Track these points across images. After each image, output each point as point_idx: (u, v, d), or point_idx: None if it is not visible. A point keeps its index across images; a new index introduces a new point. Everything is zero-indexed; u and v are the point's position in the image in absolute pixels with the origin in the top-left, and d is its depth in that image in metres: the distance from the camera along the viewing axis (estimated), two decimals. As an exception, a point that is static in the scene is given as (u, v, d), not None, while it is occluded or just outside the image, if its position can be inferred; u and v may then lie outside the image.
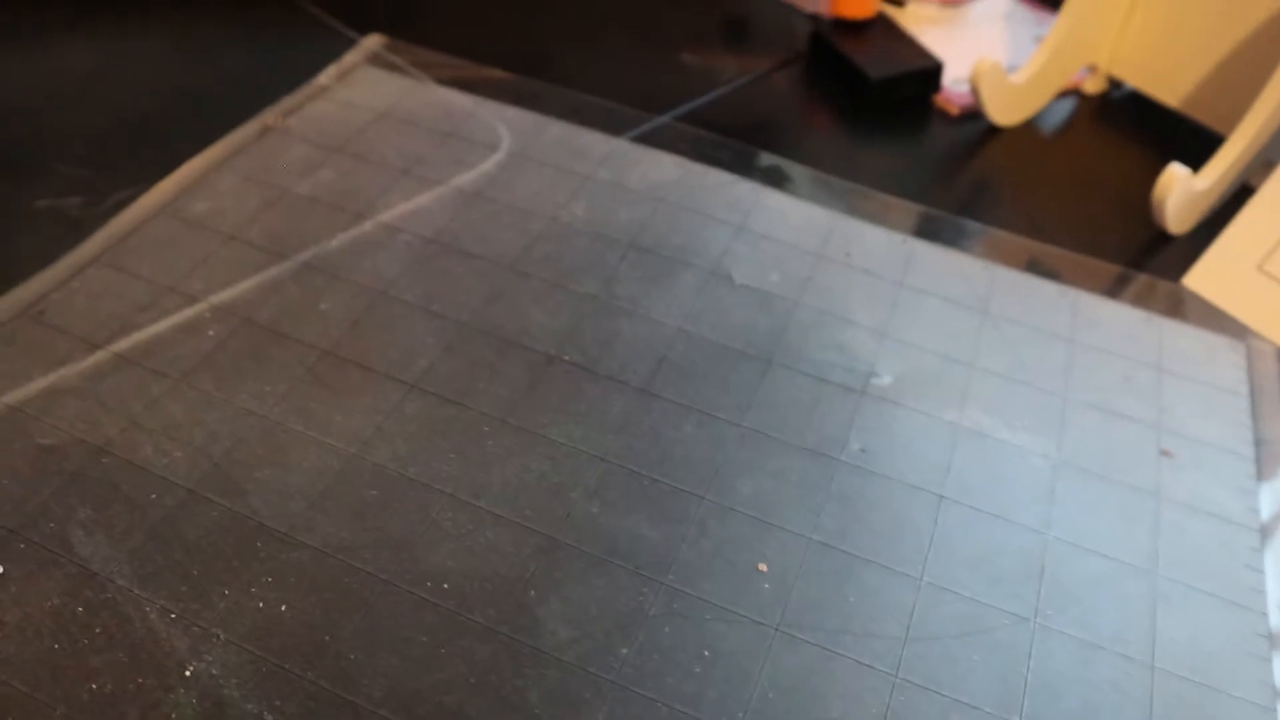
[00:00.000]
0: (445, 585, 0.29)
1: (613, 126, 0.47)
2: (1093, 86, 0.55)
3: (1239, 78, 0.48)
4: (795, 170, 0.47)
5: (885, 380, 0.36)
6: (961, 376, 0.37)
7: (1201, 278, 0.44)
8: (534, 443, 0.33)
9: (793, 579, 0.30)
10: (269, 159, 0.44)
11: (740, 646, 0.28)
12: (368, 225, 0.41)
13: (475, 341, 0.36)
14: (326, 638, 0.27)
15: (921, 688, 0.28)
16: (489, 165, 0.44)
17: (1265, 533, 0.33)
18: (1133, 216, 0.47)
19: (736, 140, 0.48)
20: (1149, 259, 0.46)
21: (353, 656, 0.27)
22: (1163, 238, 0.47)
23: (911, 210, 0.45)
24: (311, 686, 0.26)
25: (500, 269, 0.39)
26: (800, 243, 0.42)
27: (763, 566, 0.30)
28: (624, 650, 0.28)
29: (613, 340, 0.36)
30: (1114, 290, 0.42)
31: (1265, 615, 0.31)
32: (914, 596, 0.30)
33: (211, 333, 0.36)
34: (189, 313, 0.37)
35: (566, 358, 0.36)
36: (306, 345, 0.35)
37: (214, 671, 0.27)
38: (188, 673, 0.26)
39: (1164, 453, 0.35)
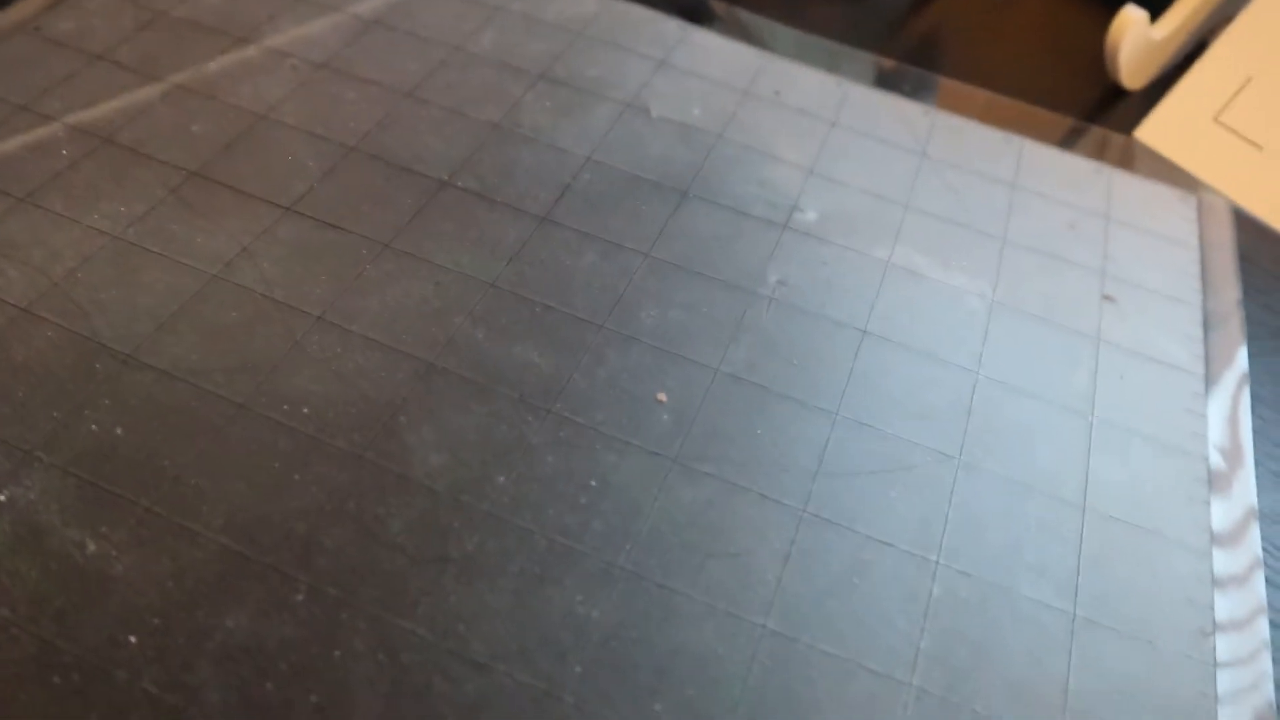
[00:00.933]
0: (305, 410, 0.26)
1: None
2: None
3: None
4: (727, 11, 0.43)
5: (810, 216, 0.33)
6: (894, 216, 0.34)
7: (1154, 130, 0.41)
8: (417, 268, 0.29)
9: (695, 410, 0.27)
10: (141, -26, 0.40)
11: (632, 478, 0.25)
12: (251, 50, 0.37)
13: (361, 166, 0.32)
14: (166, 463, 0.24)
15: (832, 523, 0.25)
16: (388, -12, 0.40)
17: (1210, 379, 0.31)
18: (1087, 74, 0.44)
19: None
20: (1101, 115, 0.43)
21: (194, 483, 0.24)
22: (1116, 94, 0.44)
23: (850, 55, 0.41)
24: (144, 513, 0.23)
25: (395, 95, 0.35)
26: (727, 79, 0.38)
27: (662, 397, 0.27)
28: (501, 479, 0.25)
29: (513, 168, 0.33)
30: (1064, 143, 0.39)
31: (1205, 459, 0.28)
32: (829, 431, 0.27)
33: (65, 152, 0.32)
34: (41, 132, 0.33)
35: (460, 184, 0.32)
36: (172, 167, 0.32)
37: (32, 497, 0.23)
38: (2, 497, 0.23)
39: (1106, 298, 0.33)
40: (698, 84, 0.38)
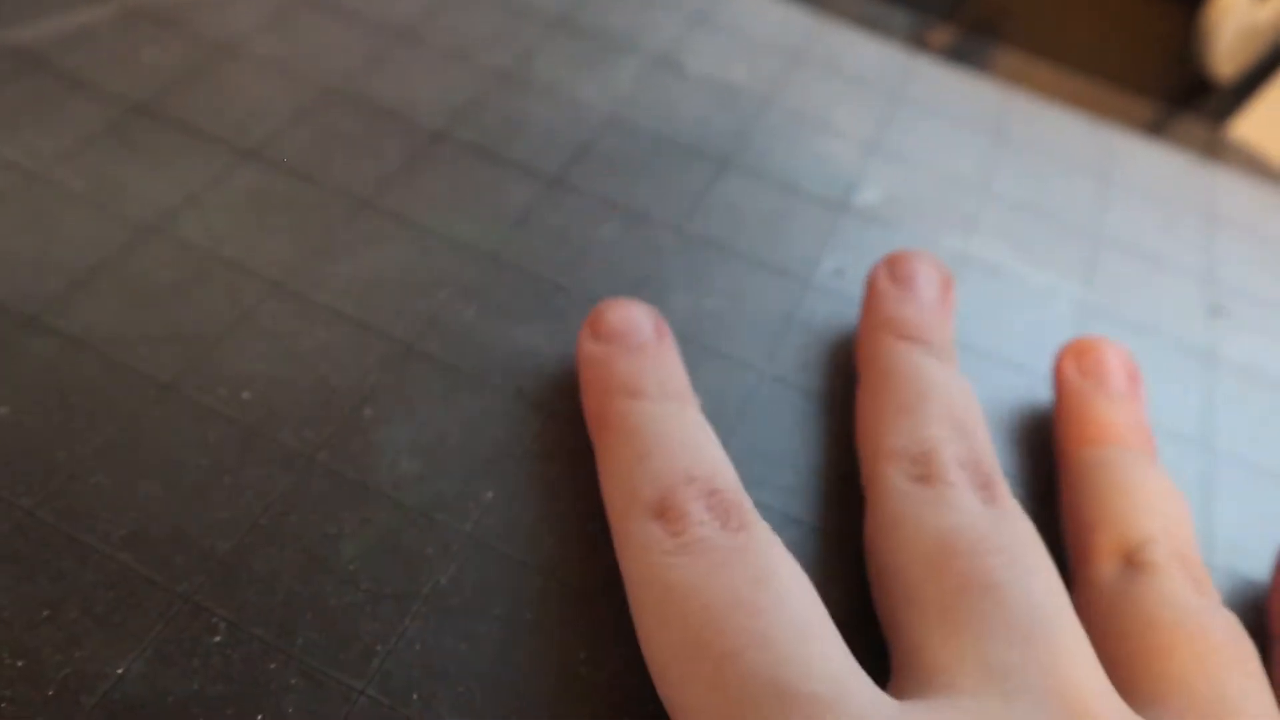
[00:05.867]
0: (246, 394, 0.20)
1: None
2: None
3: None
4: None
5: (871, 197, 0.28)
6: (969, 202, 0.28)
7: (1253, 125, 0.36)
8: (400, 230, 0.24)
9: (736, 419, 0.21)
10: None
11: (656, 500, 0.20)
12: (224, -25, 0.31)
13: (340, 109, 0.27)
14: (61, 455, 0.19)
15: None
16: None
17: (1347, 410, 0.25)
18: (1165, 58, 0.39)
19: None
20: (1184, 105, 0.38)
21: (94, 481, 0.18)
22: (1198, 83, 0.38)
23: (914, 23, 0.36)
24: (23, 517, 0.18)
25: (386, 33, 0.30)
26: (776, 41, 0.33)
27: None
28: (489, 494, 0.19)
29: (522, 121, 0.28)
30: (1149, 133, 0.34)
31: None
32: (898, 453, 0.21)
33: (-13, 75, 0.26)
34: (-38, 51, 0.27)
35: (458, 136, 0.27)
36: (114, 96, 0.26)
37: (-121, 488, 0.18)
38: None
39: (1216, 307, 0.27)
40: (741, 43, 0.32)
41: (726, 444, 0.21)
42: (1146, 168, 0.32)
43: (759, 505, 0.20)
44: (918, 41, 0.35)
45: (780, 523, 0.20)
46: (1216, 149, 0.35)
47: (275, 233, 0.24)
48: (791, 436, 0.21)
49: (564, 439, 0.21)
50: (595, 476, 0.20)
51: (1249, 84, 0.38)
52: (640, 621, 0.16)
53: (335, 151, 0.26)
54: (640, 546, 0.17)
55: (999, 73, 0.35)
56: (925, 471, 0.18)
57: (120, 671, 0.16)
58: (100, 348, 0.21)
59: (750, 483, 0.20)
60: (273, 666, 0.17)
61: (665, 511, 0.17)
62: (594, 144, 0.27)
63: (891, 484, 0.18)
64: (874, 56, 0.33)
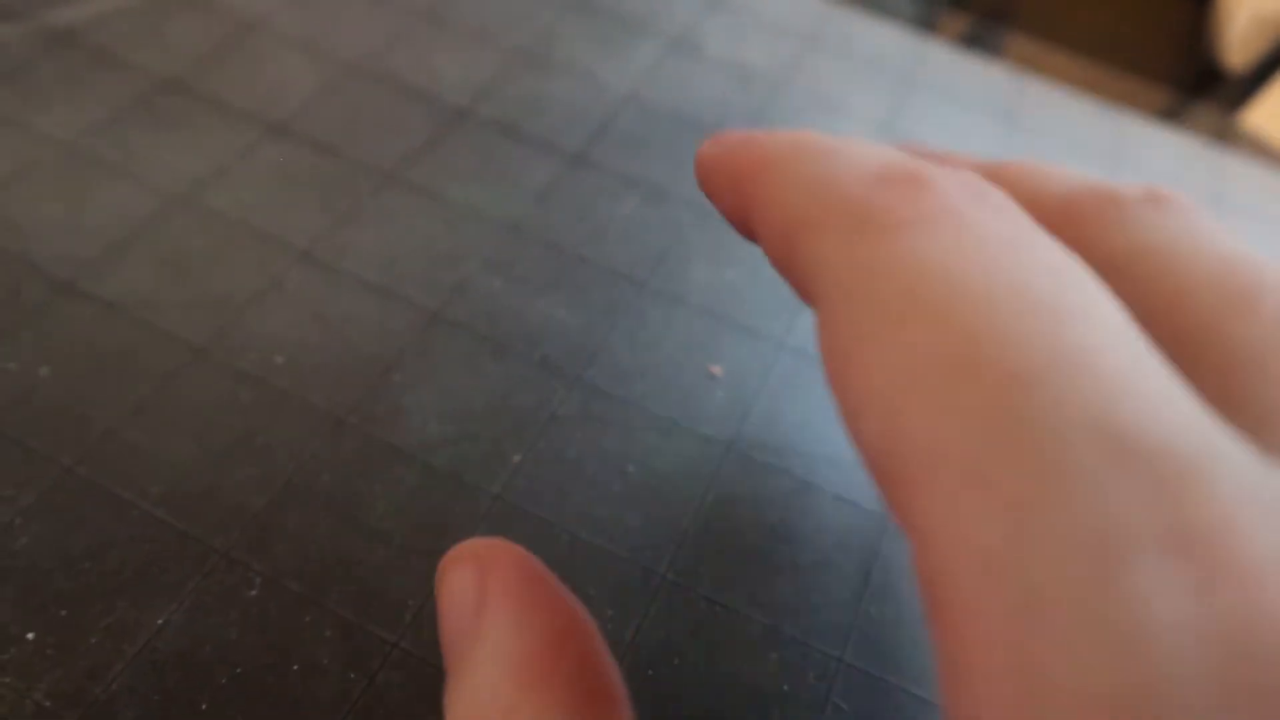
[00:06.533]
0: (278, 359, 0.20)
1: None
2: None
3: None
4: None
5: (888, 176, 0.28)
6: (983, 180, 0.29)
7: (1265, 115, 0.36)
8: (426, 203, 0.24)
9: (756, 389, 0.22)
10: None
11: (678, 466, 0.20)
12: (247, -46, 0.32)
13: (365, 85, 0.27)
14: (97, 414, 0.19)
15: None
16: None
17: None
18: (1176, 47, 0.39)
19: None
20: (1194, 94, 0.38)
21: (130, 440, 0.19)
22: (1208, 73, 0.38)
23: (927, 9, 0.36)
24: (62, 474, 0.18)
25: (408, 13, 0.30)
26: (791, 24, 0.33)
27: (717, 370, 0.22)
28: (516, 458, 0.20)
29: (543, 100, 0.28)
30: (1160, 119, 0.34)
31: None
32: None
33: (15, 51, 0.27)
34: (-7, 26, 0.28)
35: (481, 113, 0.27)
36: (143, 71, 0.27)
37: (-77, 443, 0.18)
38: (-116, 442, 0.18)
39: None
40: (756, 26, 0.33)
41: (749, 412, 0.22)
42: (1157, 153, 0.32)
43: (780, 472, 0.21)
44: (930, 27, 0.35)
45: (799, 489, 0.20)
46: (1228, 137, 0.35)
47: (303, 204, 0.24)
48: (811, 408, 0.22)
49: (588, 406, 0.21)
50: (618, 442, 0.20)
51: (1261, 74, 0.38)
52: (846, 333, 0.11)
53: (360, 127, 0.26)
54: (857, 224, 0.11)
55: (1012, 59, 0.35)
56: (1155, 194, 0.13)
57: (160, 622, 0.17)
58: (134, 311, 0.21)
59: (768, 448, 0.21)
60: (308, 619, 0.17)
61: (892, 182, 0.11)
62: (613, 122, 0.28)
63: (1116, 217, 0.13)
64: (887, 41, 0.34)
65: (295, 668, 0.17)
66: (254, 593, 0.17)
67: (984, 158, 0.17)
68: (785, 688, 0.18)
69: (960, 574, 0.09)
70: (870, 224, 0.11)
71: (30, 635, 0.16)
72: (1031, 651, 0.08)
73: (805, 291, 0.12)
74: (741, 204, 0.14)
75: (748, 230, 0.14)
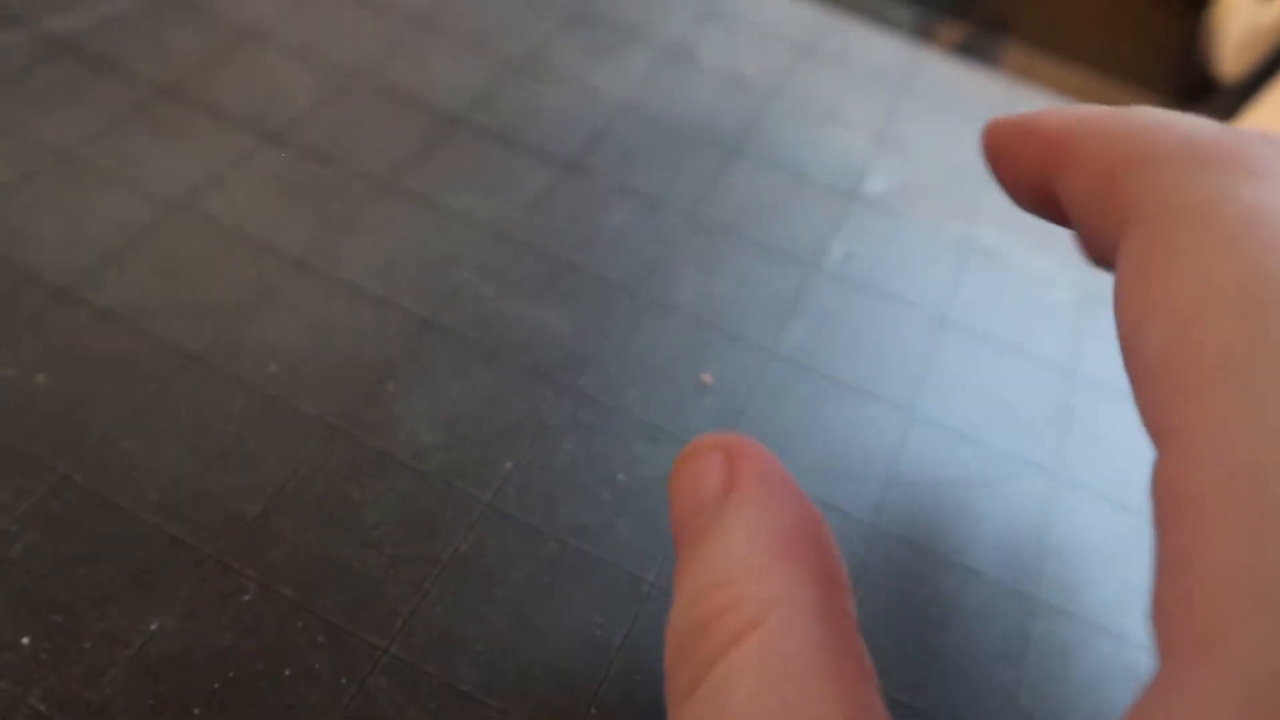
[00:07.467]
0: (272, 366, 0.21)
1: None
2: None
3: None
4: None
5: (879, 185, 0.28)
6: (972, 191, 0.29)
7: (1257, 125, 0.36)
8: (420, 210, 0.25)
9: (745, 397, 0.22)
10: None
11: (668, 474, 0.20)
12: (246, -38, 0.32)
13: (360, 95, 0.28)
14: (93, 421, 0.19)
15: (907, 541, 0.20)
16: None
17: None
18: (1170, 57, 0.39)
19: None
20: (1187, 102, 0.38)
21: (125, 446, 0.19)
22: (1201, 82, 0.39)
23: (921, 18, 0.36)
24: (58, 480, 0.18)
25: (404, 22, 0.30)
26: (785, 34, 0.33)
27: (707, 378, 0.22)
28: (506, 465, 0.20)
29: (538, 108, 0.28)
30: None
31: None
32: (903, 431, 0.22)
33: (15, 59, 0.27)
34: (-8, 33, 0.28)
35: (476, 121, 0.27)
36: (141, 80, 0.27)
37: (-80, 449, 0.18)
38: (-118, 448, 0.18)
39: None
40: (751, 36, 0.33)
41: (738, 421, 0.22)
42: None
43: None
44: (925, 36, 0.36)
45: (788, 495, 0.21)
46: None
47: (298, 211, 0.24)
48: (799, 415, 0.22)
49: (578, 414, 0.21)
50: (609, 450, 0.20)
51: (1254, 83, 0.39)
52: (1162, 245, 0.11)
53: (356, 134, 0.27)
54: (1200, 161, 0.12)
55: (1007, 68, 0.36)
56: None
57: (154, 627, 0.17)
58: (130, 318, 0.21)
59: (759, 456, 0.21)
60: (300, 624, 0.17)
61: (1239, 135, 0.12)
62: (608, 131, 0.28)
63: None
64: (882, 50, 0.34)
65: (287, 673, 0.17)
66: (247, 598, 0.18)
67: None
68: (771, 694, 0.18)
69: (1215, 479, 0.09)
70: (1213, 162, 0.11)
71: (25, 640, 0.17)
72: (1271, 554, 0.09)
73: (1115, 223, 0.12)
74: (1045, 154, 0.15)
75: (1039, 185, 0.15)
